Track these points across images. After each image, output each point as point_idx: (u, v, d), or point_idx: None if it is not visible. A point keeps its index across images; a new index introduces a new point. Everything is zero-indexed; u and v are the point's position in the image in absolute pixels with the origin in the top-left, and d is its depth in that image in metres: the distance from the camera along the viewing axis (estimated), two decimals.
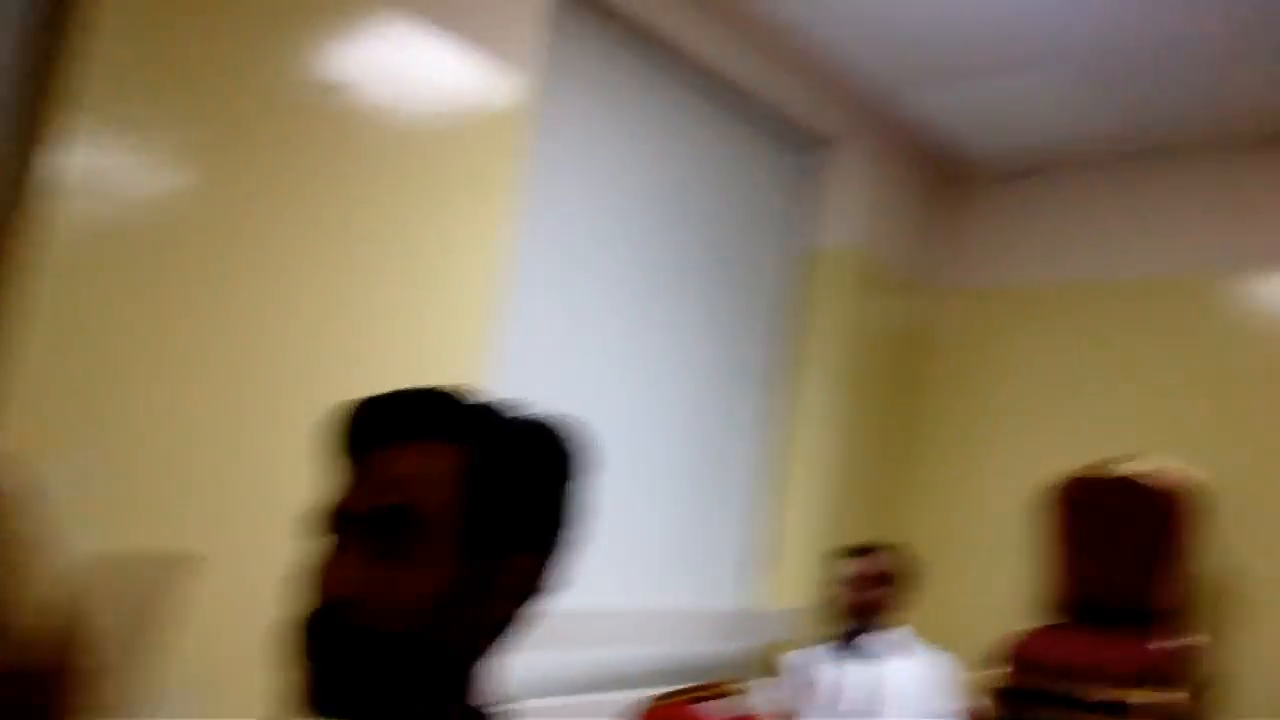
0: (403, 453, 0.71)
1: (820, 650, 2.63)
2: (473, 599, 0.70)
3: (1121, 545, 2.98)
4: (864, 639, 2.56)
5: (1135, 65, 2.92)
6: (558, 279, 2.55)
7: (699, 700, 1.86)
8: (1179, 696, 2.57)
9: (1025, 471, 3.32)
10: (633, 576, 2.81)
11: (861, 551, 2.68)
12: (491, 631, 0.73)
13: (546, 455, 0.75)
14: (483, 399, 0.76)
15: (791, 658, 2.65)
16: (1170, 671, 2.59)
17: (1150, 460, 3.04)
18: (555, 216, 2.53)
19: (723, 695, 1.84)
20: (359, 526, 0.70)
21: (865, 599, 2.58)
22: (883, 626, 2.56)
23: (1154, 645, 2.73)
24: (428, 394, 0.75)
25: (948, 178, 3.82)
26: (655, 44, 2.80)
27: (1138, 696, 2.54)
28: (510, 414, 0.76)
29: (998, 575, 3.38)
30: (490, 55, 2.12)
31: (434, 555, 0.69)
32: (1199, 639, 2.82)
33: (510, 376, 2.30)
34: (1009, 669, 2.74)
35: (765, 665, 2.95)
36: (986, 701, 2.68)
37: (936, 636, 2.71)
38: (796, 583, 3.19)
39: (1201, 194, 3.38)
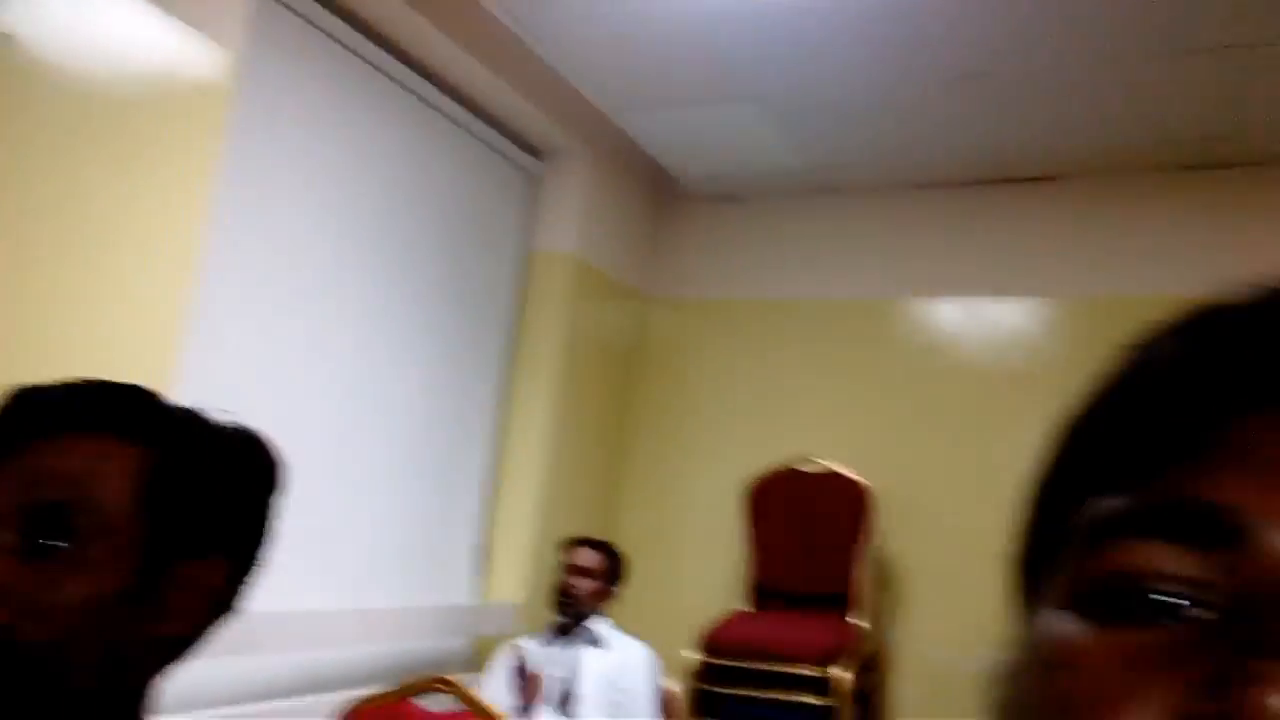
0: (73, 446, 0.65)
1: (533, 641, 2.72)
2: (141, 608, 0.65)
3: (810, 535, 3.31)
4: (574, 629, 2.69)
5: (821, 109, 3.27)
6: (263, 270, 2.45)
7: (412, 698, 1.86)
8: (858, 670, 2.88)
9: (727, 469, 3.62)
10: (351, 577, 2.76)
11: (575, 544, 2.81)
12: (162, 644, 0.68)
13: (234, 464, 0.72)
14: (169, 401, 0.71)
15: (505, 650, 2.72)
16: (853, 648, 2.90)
17: (832, 459, 3.40)
18: (260, 206, 2.43)
19: (436, 691, 1.86)
20: (9, 523, 0.63)
21: (576, 591, 2.70)
22: (591, 617, 2.70)
23: (839, 624, 3.05)
24: (109, 387, 0.69)
25: (662, 194, 4.06)
26: (376, 41, 2.78)
27: (823, 671, 2.82)
28: (198, 419, 0.71)
29: (703, 566, 3.65)
30: (190, 25, 1.98)
31: (100, 559, 0.63)
32: (875, 619, 3.19)
33: (206, 373, 2.19)
34: (708, 652, 2.95)
35: (481, 659, 3.00)
36: (685, 684, 2.87)
37: (645, 626, 2.88)
38: (513, 578, 3.26)
39: (879, 226, 3.83)
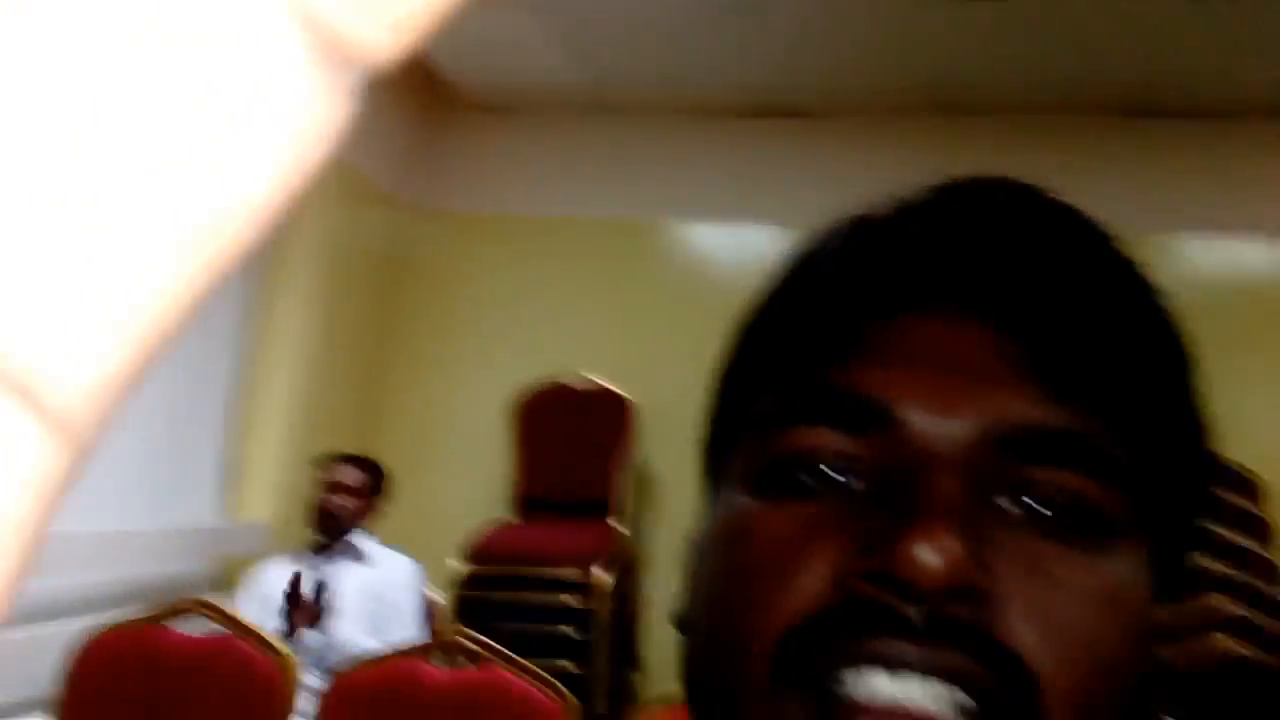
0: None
1: (290, 560, 2.66)
2: None
3: (574, 447, 3.41)
4: (335, 546, 2.65)
5: (601, 25, 3.27)
6: None
7: (166, 622, 1.78)
8: (618, 573, 3.04)
9: (494, 385, 3.63)
10: (85, 497, 2.55)
11: (334, 461, 2.74)
12: None
13: None
14: None
15: (260, 569, 2.63)
16: (612, 552, 3.05)
17: (597, 375, 3.51)
18: None
19: (193, 614, 1.78)
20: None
21: (336, 508, 2.65)
22: (353, 533, 2.66)
23: (600, 530, 3.19)
24: None
25: (437, 101, 3.91)
26: None
27: (583, 574, 2.95)
28: None
29: (469, 478, 3.68)
30: None
31: None
32: (634, 525, 3.36)
33: None
34: (473, 561, 3.00)
35: (230, 581, 2.88)
36: (450, 594, 2.92)
37: (411, 539, 2.88)
38: (265, 496, 3.15)
39: (653, 149, 3.90)
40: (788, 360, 0.38)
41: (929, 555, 0.30)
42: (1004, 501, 0.33)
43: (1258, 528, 2.53)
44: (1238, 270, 3.38)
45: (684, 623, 0.40)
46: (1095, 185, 3.46)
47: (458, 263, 3.89)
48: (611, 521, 3.26)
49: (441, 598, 2.77)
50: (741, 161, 3.84)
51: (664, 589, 3.53)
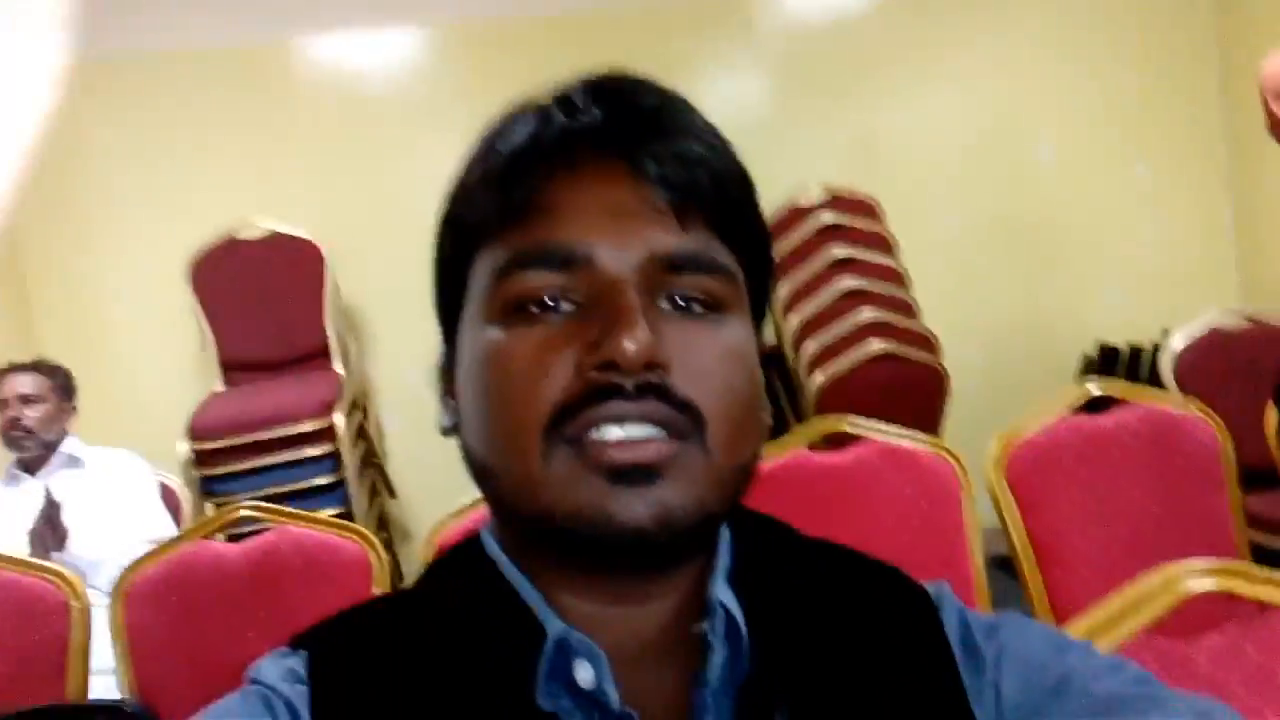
0: None
1: (2, 486, 2.43)
2: None
3: (269, 300, 3.26)
4: (43, 460, 2.44)
5: None
6: None
7: None
8: (349, 413, 3.03)
9: (162, 250, 3.33)
10: None
11: (2, 374, 2.48)
12: None
13: None
14: None
15: None
16: (340, 395, 3.03)
17: (272, 220, 3.31)
18: None
19: None
20: None
21: (26, 422, 2.43)
22: (52, 442, 2.46)
23: (322, 378, 3.13)
24: None
25: None
26: None
27: (320, 423, 2.92)
28: None
29: (163, 355, 3.42)
30: None
31: None
32: (352, 364, 3.32)
33: None
34: (199, 438, 2.87)
35: None
36: (184, 476, 2.79)
37: (120, 432, 2.69)
38: None
39: None
40: (498, 218, 0.51)
41: (631, 344, 0.46)
42: (663, 302, 0.50)
43: (882, 244, 3.04)
44: (829, 13, 3.77)
45: (455, 430, 0.56)
46: None
47: (92, 119, 3.39)
48: (331, 367, 3.21)
49: (176, 481, 2.65)
50: None
51: (397, 419, 3.58)
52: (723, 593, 0.51)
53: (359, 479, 3.01)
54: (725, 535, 0.55)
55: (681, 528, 0.48)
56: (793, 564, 0.56)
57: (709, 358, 0.50)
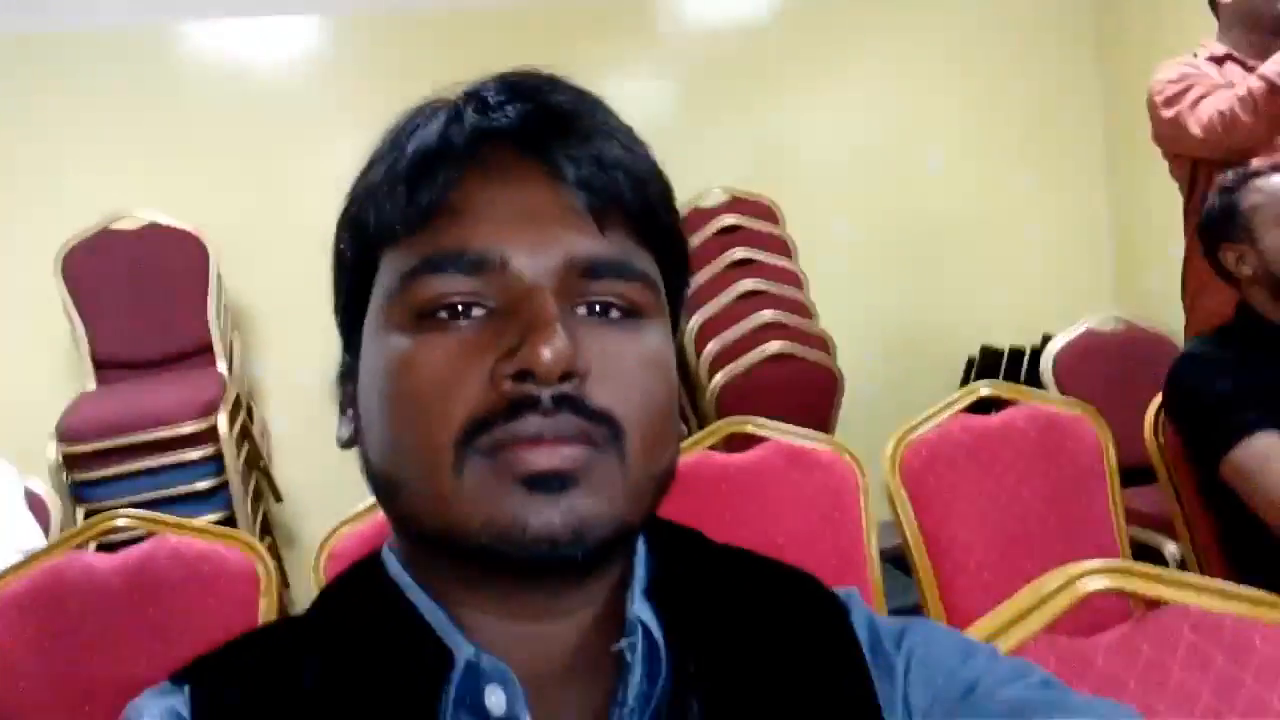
0: None
1: None
2: None
3: (149, 295, 3.09)
4: None
5: None
6: None
7: None
8: (232, 414, 2.90)
9: (27, 245, 3.13)
10: None
11: None
12: None
13: None
14: None
15: None
16: (221, 395, 2.89)
17: (152, 211, 3.14)
18: None
19: None
20: None
21: None
22: None
23: (203, 376, 2.99)
24: None
25: None
26: None
27: (201, 424, 2.79)
28: None
29: (29, 356, 3.21)
30: None
31: None
32: (236, 363, 3.18)
33: None
34: (71, 441, 2.70)
35: None
36: (55, 481, 2.62)
37: None
38: None
39: None
40: (403, 223, 0.49)
41: (548, 352, 0.44)
42: (581, 308, 0.48)
43: (781, 247, 3.08)
44: (732, 20, 3.81)
45: (355, 442, 0.53)
46: None
47: None
48: (213, 365, 3.07)
49: (44, 488, 2.48)
50: None
51: (285, 420, 3.45)
52: (641, 609, 0.50)
53: (242, 483, 2.88)
54: (640, 548, 0.54)
55: (597, 538, 0.46)
56: (709, 577, 0.55)
57: (627, 366, 0.48)
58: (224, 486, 2.83)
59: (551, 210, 0.48)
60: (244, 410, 3.11)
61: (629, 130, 0.52)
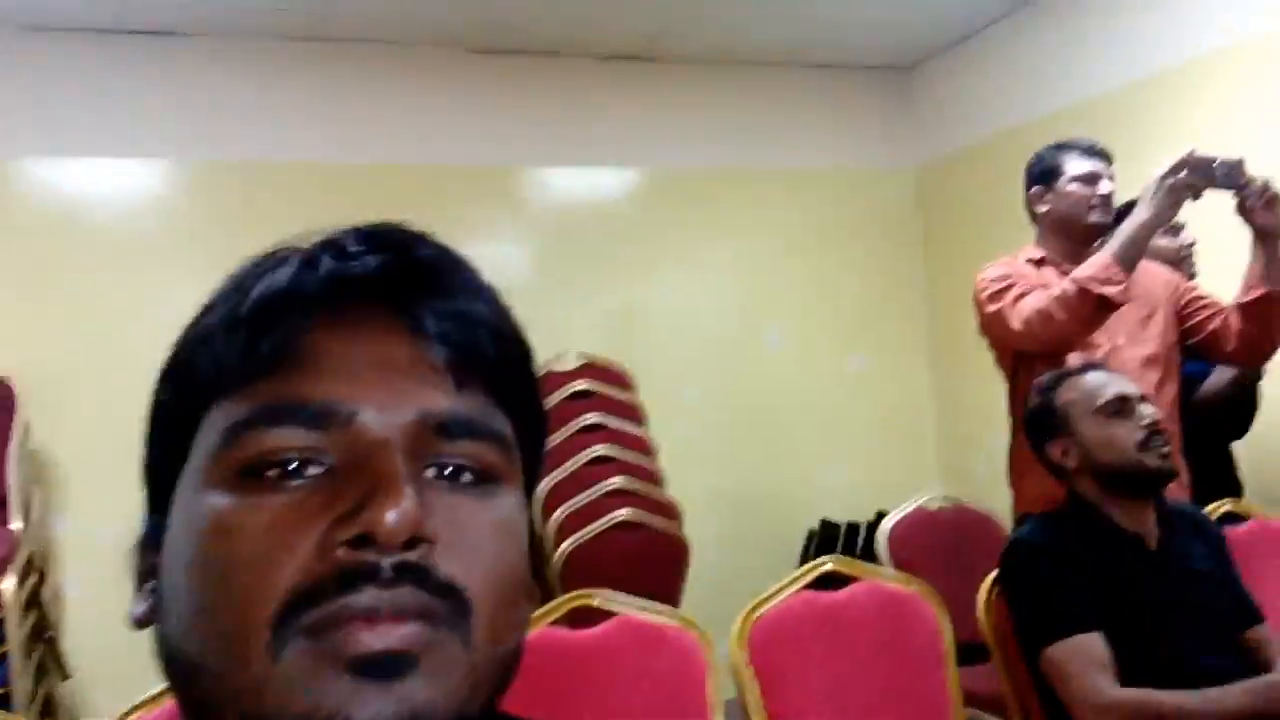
0: None
1: None
2: None
3: None
4: None
5: None
6: None
7: None
8: (22, 576, 2.60)
9: None
10: None
11: None
12: None
13: None
14: None
15: None
16: (11, 554, 2.60)
17: None
18: None
19: None
20: None
21: None
22: None
23: None
24: None
25: None
26: None
27: None
28: None
29: None
30: None
31: None
32: (33, 518, 2.88)
33: None
34: None
35: None
36: None
37: None
38: None
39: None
40: (244, 369, 0.44)
41: (394, 518, 0.40)
42: (431, 471, 0.45)
43: (633, 413, 3.11)
44: (592, 195, 3.98)
45: (149, 621, 0.46)
46: (458, 120, 3.80)
47: None
48: (10, 523, 2.77)
49: None
50: (103, 87, 3.38)
51: (81, 584, 3.13)
52: None
53: (24, 656, 2.56)
54: None
55: None
56: None
57: (478, 535, 0.44)
58: (3, 659, 2.50)
59: (407, 364, 0.45)
60: (36, 573, 2.80)
61: (492, 289, 0.50)
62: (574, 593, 1.66)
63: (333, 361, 0.44)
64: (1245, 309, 2.21)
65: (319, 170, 3.52)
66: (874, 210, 4.32)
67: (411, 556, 0.41)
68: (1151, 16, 3.27)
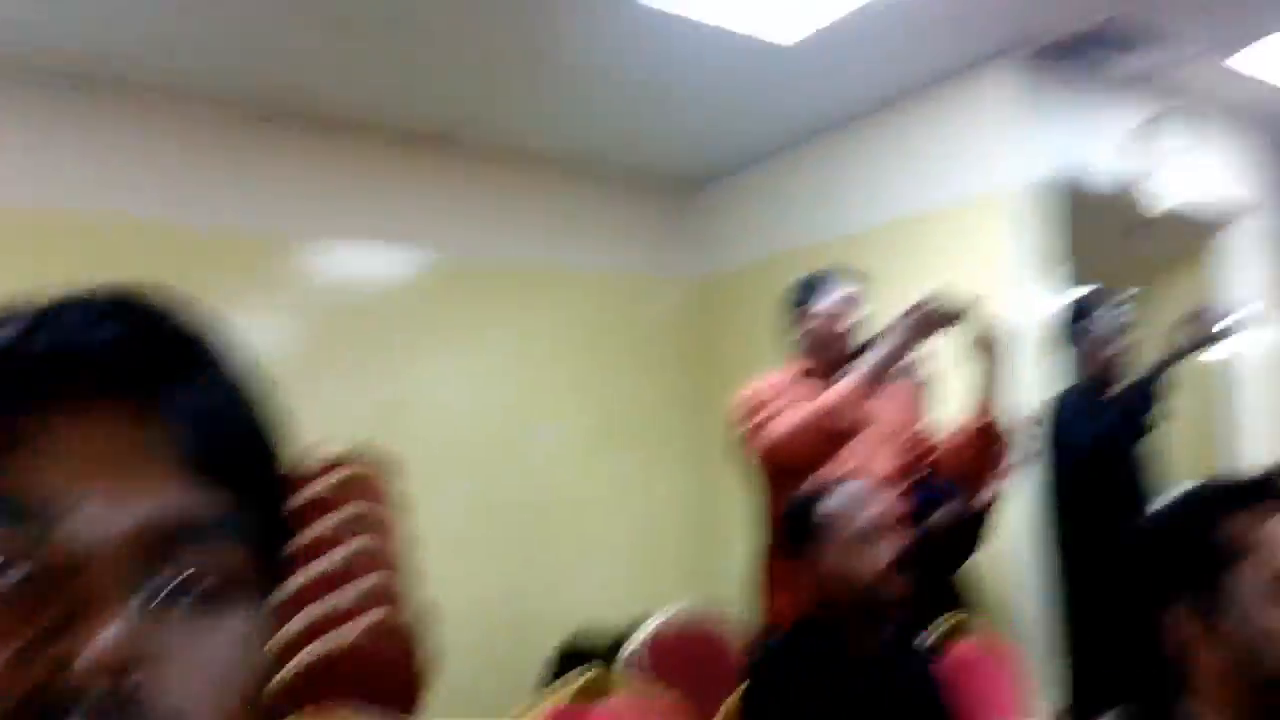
0: None
1: None
2: None
3: None
4: None
5: None
6: None
7: None
8: None
9: None
10: None
11: None
12: None
13: None
14: None
15: None
16: None
17: None
18: None
19: None
20: None
21: None
22: None
23: None
24: None
25: None
26: None
27: None
28: None
29: None
30: None
31: None
32: None
33: None
34: None
35: None
36: None
37: None
38: None
39: None
40: None
41: (99, 642, 0.35)
42: (155, 582, 0.38)
43: (390, 512, 2.90)
44: (372, 273, 3.84)
45: None
46: (232, 181, 3.58)
47: None
48: None
49: None
50: None
51: None
52: None
53: None
54: None
55: None
56: None
57: (208, 657, 0.39)
58: None
59: (138, 456, 0.39)
60: None
61: (245, 372, 0.45)
62: (313, 709, 1.52)
63: (46, 448, 0.38)
64: (968, 435, 2.41)
65: (61, 220, 3.19)
66: (654, 317, 4.42)
67: (123, 689, 0.35)
68: (911, 163, 3.59)
